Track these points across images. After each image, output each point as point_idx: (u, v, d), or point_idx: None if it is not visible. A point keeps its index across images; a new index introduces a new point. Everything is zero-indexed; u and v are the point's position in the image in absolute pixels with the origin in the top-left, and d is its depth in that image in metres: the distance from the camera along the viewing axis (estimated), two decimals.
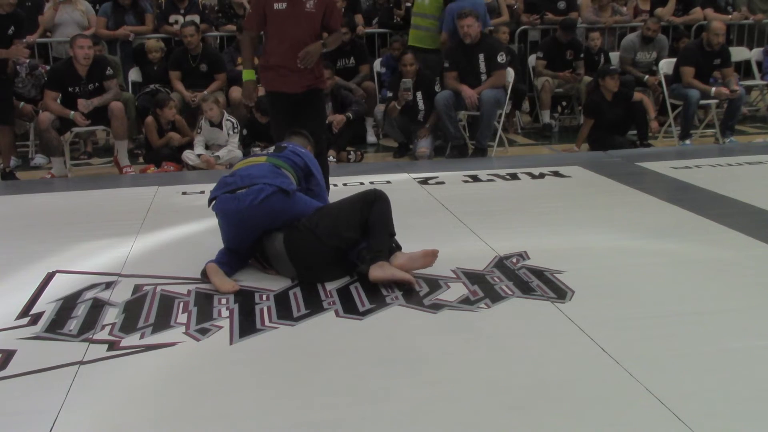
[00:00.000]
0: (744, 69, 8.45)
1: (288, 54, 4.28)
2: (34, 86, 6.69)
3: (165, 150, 6.44)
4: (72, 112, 5.96)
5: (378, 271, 3.12)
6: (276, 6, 4.25)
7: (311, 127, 4.44)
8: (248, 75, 4.48)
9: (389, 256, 3.22)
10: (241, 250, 3.39)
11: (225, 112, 6.41)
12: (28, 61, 6.72)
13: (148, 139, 6.55)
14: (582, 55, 7.80)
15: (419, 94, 6.69)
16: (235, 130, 6.36)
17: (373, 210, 3.24)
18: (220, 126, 6.31)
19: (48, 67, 6.77)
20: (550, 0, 8.29)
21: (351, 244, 3.25)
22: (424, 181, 5.30)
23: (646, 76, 7.66)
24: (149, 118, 6.48)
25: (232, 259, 3.36)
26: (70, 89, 6.06)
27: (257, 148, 3.62)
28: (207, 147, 6.35)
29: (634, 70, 7.77)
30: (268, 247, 3.31)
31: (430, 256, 3.25)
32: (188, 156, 6.27)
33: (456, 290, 3.12)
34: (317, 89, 4.42)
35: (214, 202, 3.38)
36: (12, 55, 6.07)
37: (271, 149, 3.64)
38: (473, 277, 3.27)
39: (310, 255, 3.23)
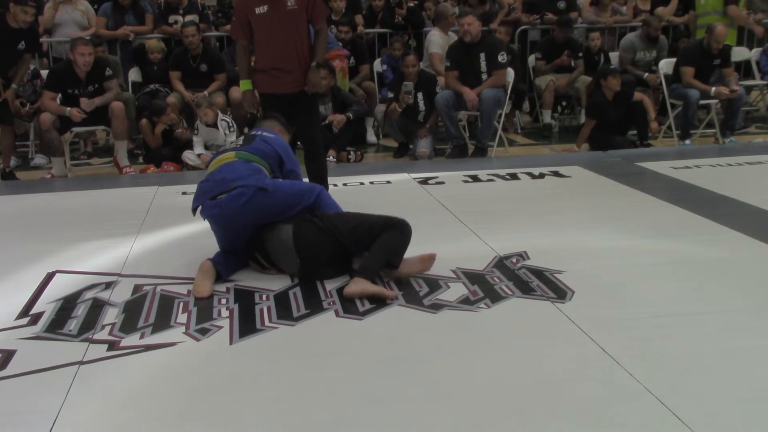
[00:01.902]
0: (744, 69, 8.45)
1: (276, 55, 4.28)
2: (33, 92, 6.70)
3: (165, 150, 6.45)
4: (68, 109, 5.95)
5: (352, 287, 3.06)
6: (257, 10, 4.25)
7: (305, 127, 4.45)
8: (245, 85, 4.48)
9: (373, 278, 3.15)
10: (238, 249, 3.39)
11: (219, 113, 6.41)
12: (32, 67, 6.74)
13: (145, 140, 6.56)
14: (580, 54, 7.80)
15: (420, 95, 6.69)
16: (231, 129, 6.39)
17: (386, 232, 3.21)
18: (215, 126, 6.33)
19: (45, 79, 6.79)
20: (550, 0, 8.29)
21: (352, 252, 3.23)
22: (424, 181, 5.30)
23: (646, 74, 7.65)
24: (144, 121, 6.49)
25: (229, 259, 3.36)
26: (69, 91, 6.06)
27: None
28: (206, 147, 6.37)
29: (634, 69, 7.76)
30: (272, 239, 3.29)
31: (428, 261, 3.24)
32: (188, 156, 6.28)
33: (456, 290, 3.12)
34: None
35: (199, 209, 3.38)
36: (8, 96, 6.09)
37: (240, 141, 3.59)
38: (473, 277, 3.27)
39: (316, 247, 3.23)
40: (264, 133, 3.62)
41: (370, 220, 3.30)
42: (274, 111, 4.32)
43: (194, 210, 3.41)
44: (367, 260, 3.16)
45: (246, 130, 6.57)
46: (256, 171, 3.35)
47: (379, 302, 3.01)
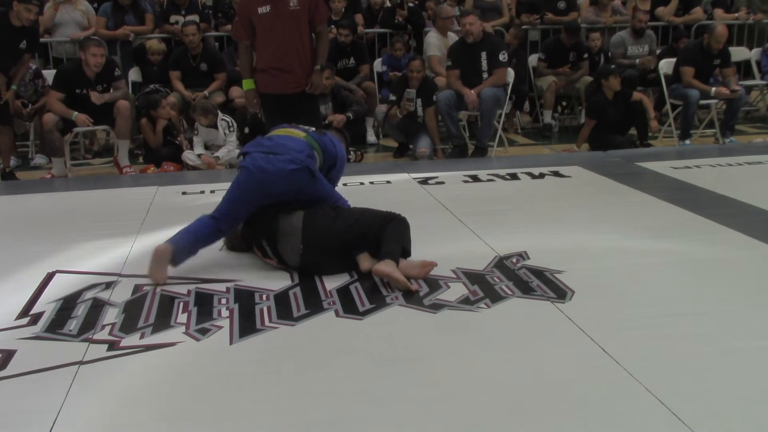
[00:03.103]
0: (744, 69, 8.45)
1: (277, 55, 4.30)
2: (35, 92, 6.71)
3: (165, 150, 6.46)
4: (75, 114, 5.95)
5: (382, 266, 3.15)
6: (260, 10, 4.27)
7: None
8: (248, 84, 4.50)
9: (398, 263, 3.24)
10: (230, 222, 3.42)
11: (219, 113, 6.42)
12: (34, 66, 6.75)
13: (146, 139, 6.56)
14: (585, 56, 7.81)
15: (419, 101, 6.68)
16: (231, 129, 6.38)
17: (390, 224, 3.33)
18: (215, 126, 6.33)
19: (47, 79, 6.79)
20: (550, 0, 8.30)
21: (364, 236, 3.30)
22: (424, 181, 5.30)
23: (638, 60, 7.67)
24: (143, 120, 6.49)
25: (197, 239, 3.38)
26: (77, 91, 6.06)
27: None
28: (206, 147, 6.37)
29: (627, 61, 7.80)
30: (283, 223, 3.32)
31: (428, 267, 3.25)
32: (188, 157, 6.28)
33: (456, 290, 3.12)
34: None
35: (243, 157, 3.47)
36: (8, 97, 6.09)
37: (312, 129, 3.69)
38: (473, 277, 3.26)
39: (322, 233, 3.28)
40: (333, 137, 3.75)
41: (372, 212, 3.44)
42: (277, 113, 4.34)
43: (242, 154, 3.52)
44: (386, 246, 3.24)
45: (246, 129, 6.57)
46: (314, 157, 3.48)
47: (379, 302, 3.02)
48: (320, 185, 3.46)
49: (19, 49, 6.03)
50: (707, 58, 7.01)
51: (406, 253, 3.34)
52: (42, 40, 7.27)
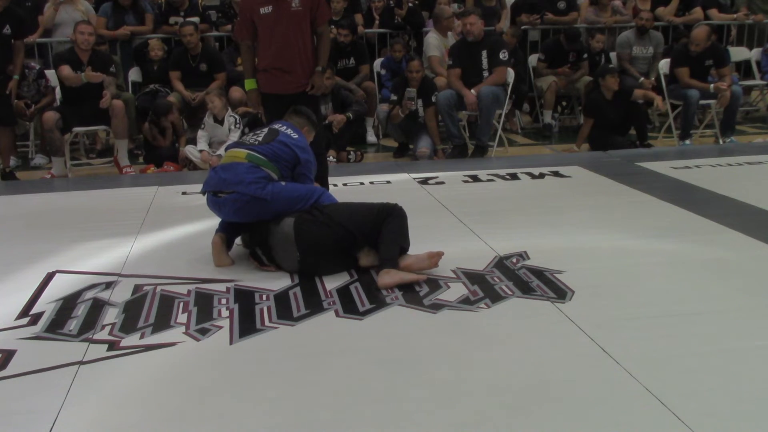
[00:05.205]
0: (744, 69, 8.45)
1: (279, 56, 4.30)
2: (37, 92, 6.70)
3: (165, 150, 6.45)
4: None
5: (386, 278, 3.15)
6: (262, 10, 4.27)
7: None
8: (250, 84, 4.49)
9: (397, 265, 3.24)
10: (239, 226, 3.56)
11: (229, 108, 6.43)
12: (37, 66, 6.74)
13: (151, 142, 6.55)
14: (585, 56, 7.81)
15: (420, 102, 6.68)
16: (237, 126, 6.38)
17: (387, 221, 3.30)
18: (222, 122, 6.33)
19: (50, 79, 6.78)
20: (550, 0, 8.30)
21: (355, 237, 3.29)
22: (424, 181, 5.30)
23: (642, 78, 7.66)
24: (146, 125, 6.50)
25: (233, 226, 3.54)
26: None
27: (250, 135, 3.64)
28: (209, 144, 6.36)
29: (633, 69, 7.77)
30: (275, 231, 3.32)
31: (435, 257, 3.29)
32: (190, 151, 6.28)
33: (456, 290, 3.12)
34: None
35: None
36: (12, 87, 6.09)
37: (261, 135, 3.56)
38: (473, 277, 3.27)
39: (317, 238, 3.27)
40: (288, 131, 3.61)
41: (364, 208, 3.42)
42: (277, 113, 4.32)
43: (202, 192, 3.56)
44: (384, 252, 3.24)
45: (246, 129, 6.57)
46: (260, 178, 3.36)
47: (379, 302, 3.02)
48: (282, 199, 3.34)
49: (4, 35, 5.98)
50: (698, 58, 6.95)
51: (403, 250, 3.33)
52: (42, 40, 7.28)
